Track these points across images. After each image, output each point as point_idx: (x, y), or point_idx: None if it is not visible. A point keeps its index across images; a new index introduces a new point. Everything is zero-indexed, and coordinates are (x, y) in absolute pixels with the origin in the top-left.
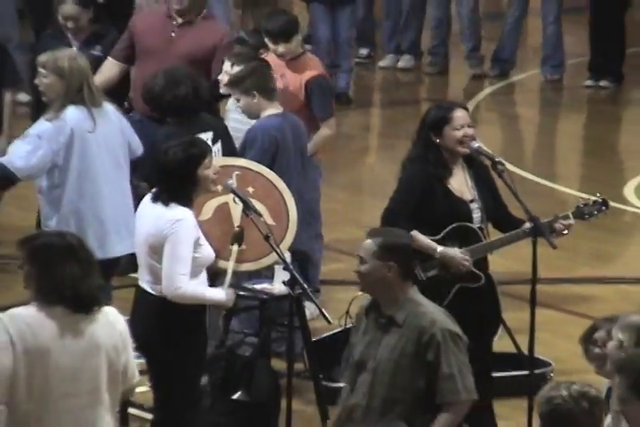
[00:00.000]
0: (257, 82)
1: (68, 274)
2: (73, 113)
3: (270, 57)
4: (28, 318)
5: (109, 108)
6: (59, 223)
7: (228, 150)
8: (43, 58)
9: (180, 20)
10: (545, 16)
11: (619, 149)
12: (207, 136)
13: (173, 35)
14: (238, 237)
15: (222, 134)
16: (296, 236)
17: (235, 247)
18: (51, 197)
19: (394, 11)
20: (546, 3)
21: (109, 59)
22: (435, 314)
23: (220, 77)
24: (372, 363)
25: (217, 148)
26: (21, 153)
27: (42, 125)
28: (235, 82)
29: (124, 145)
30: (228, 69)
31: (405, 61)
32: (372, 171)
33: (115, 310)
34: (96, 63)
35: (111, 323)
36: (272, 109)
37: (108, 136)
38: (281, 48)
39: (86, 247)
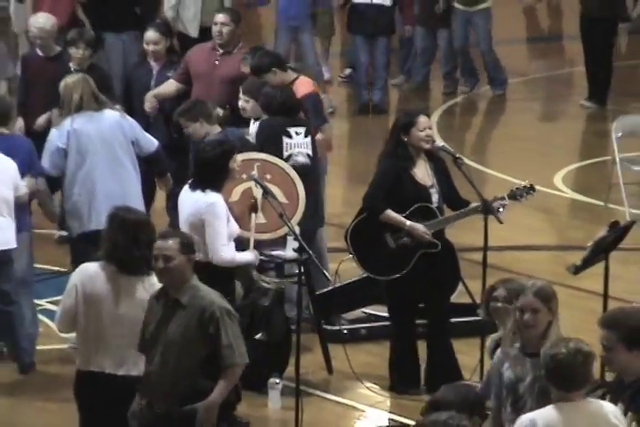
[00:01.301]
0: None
1: (121, 243)
2: (74, 119)
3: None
4: (92, 271)
5: (110, 113)
6: (67, 204)
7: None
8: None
9: (221, 51)
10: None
11: (550, 147)
12: (301, 130)
13: (217, 62)
14: (254, 207)
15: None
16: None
17: (253, 216)
18: (64, 184)
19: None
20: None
21: (170, 79)
22: (212, 296)
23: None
24: (164, 337)
25: (308, 140)
26: (44, 159)
27: (50, 133)
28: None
29: (123, 143)
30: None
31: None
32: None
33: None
34: None
35: (153, 284)
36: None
37: (104, 134)
38: (266, 79)
39: (143, 228)
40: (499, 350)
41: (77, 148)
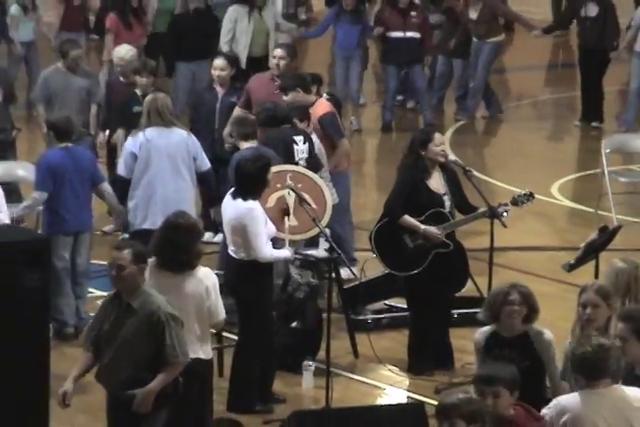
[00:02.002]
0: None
1: (160, 242)
2: (147, 131)
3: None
4: (150, 267)
5: (179, 131)
6: (130, 204)
7: (310, 149)
8: None
9: (279, 80)
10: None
11: (548, 161)
12: (301, 138)
13: (276, 93)
14: (286, 212)
15: (309, 138)
16: (334, 223)
17: (286, 219)
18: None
19: None
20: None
21: (236, 107)
22: (159, 301)
23: None
24: (117, 336)
25: (306, 146)
26: (119, 162)
27: (127, 141)
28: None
29: (186, 158)
30: None
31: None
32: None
33: (208, 269)
34: (232, 108)
35: (199, 279)
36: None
37: (170, 148)
38: (287, 98)
39: (180, 231)
40: (568, 342)
41: (146, 156)
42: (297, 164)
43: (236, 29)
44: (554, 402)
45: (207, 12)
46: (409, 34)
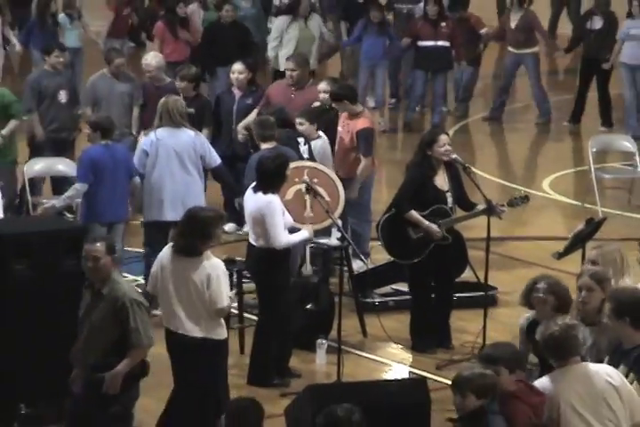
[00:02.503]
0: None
1: (178, 231)
2: (158, 131)
3: (344, 114)
4: (166, 249)
5: (187, 131)
6: (143, 197)
7: (310, 151)
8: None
9: (294, 88)
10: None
11: (540, 159)
12: (302, 139)
13: (293, 96)
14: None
15: (307, 141)
16: (353, 219)
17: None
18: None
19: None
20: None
21: (255, 110)
22: (126, 288)
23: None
24: (89, 321)
25: (306, 147)
26: (134, 159)
27: (141, 140)
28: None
29: (193, 155)
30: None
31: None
32: None
33: (217, 261)
34: (247, 109)
35: (203, 267)
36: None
37: (178, 146)
38: (337, 106)
39: (195, 221)
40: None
41: (156, 154)
42: None
43: (283, 37)
44: (538, 380)
45: (237, 22)
46: (439, 43)
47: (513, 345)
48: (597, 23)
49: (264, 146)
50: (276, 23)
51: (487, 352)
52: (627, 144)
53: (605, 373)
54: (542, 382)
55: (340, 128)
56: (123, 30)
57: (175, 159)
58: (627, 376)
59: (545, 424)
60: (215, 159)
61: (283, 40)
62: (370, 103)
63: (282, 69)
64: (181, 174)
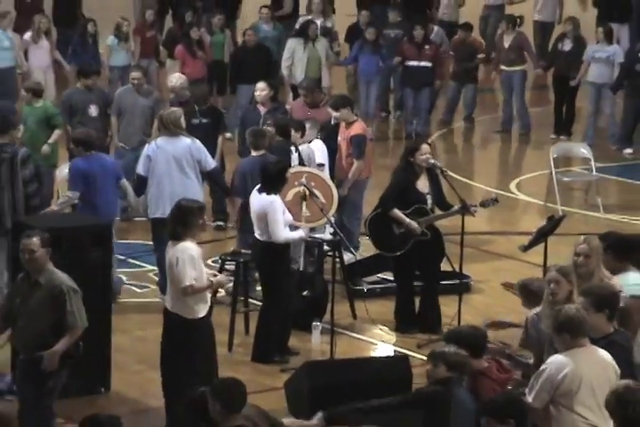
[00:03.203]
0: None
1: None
2: (158, 139)
3: (342, 125)
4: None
5: (185, 139)
6: (147, 197)
7: (300, 158)
8: None
9: (309, 106)
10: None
11: (508, 163)
12: (293, 148)
13: (309, 114)
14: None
15: (297, 149)
16: (344, 217)
17: (303, 209)
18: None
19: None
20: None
21: None
22: (62, 278)
23: None
24: (27, 307)
25: (296, 155)
26: (139, 163)
27: (145, 146)
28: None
29: (190, 160)
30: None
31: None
32: None
33: (189, 244)
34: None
35: (175, 249)
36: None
37: (176, 153)
38: (336, 115)
39: (179, 210)
40: (534, 315)
41: (156, 159)
42: None
43: (294, 57)
44: (551, 359)
45: (260, 44)
46: (422, 63)
47: (479, 328)
48: (567, 45)
49: (254, 153)
50: (288, 45)
51: (450, 334)
52: (583, 151)
53: (611, 359)
54: (566, 358)
55: (339, 137)
56: (149, 50)
57: (174, 164)
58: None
59: (561, 394)
60: (210, 163)
61: (294, 60)
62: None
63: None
64: (180, 177)
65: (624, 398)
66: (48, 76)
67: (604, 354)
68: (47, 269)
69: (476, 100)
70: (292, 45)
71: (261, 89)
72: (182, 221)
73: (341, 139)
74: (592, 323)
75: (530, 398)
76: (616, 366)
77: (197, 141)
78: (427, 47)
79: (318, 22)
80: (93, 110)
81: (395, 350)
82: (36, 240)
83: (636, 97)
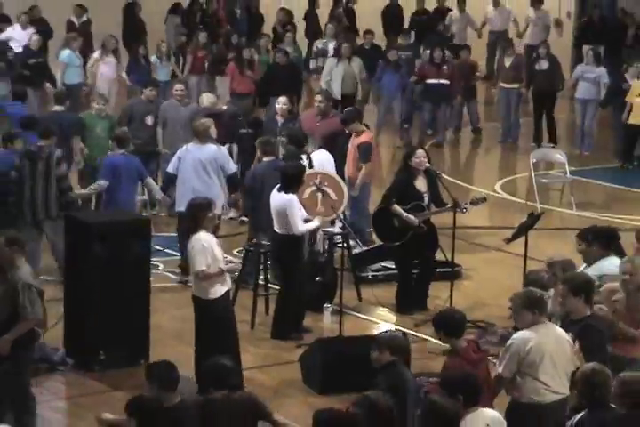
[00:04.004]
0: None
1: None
2: (189, 144)
3: (353, 134)
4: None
5: (211, 146)
6: (176, 194)
7: (310, 165)
8: None
9: (320, 117)
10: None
11: (494, 167)
12: (305, 156)
13: (318, 124)
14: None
15: (308, 156)
16: (354, 216)
17: (317, 206)
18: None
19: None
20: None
21: None
22: (22, 274)
23: None
24: None
25: (306, 162)
26: (170, 163)
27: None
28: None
29: (214, 164)
30: None
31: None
32: None
33: (202, 235)
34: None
35: (192, 239)
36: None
37: (203, 157)
38: (350, 127)
39: (191, 207)
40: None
41: (185, 161)
42: None
43: (332, 74)
44: (517, 334)
45: (291, 63)
46: (442, 81)
47: (455, 312)
48: (544, 65)
49: (265, 158)
50: (327, 63)
51: (434, 318)
52: (559, 156)
53: (565, 334)
54: (530, 333)
55: (349, 145)
56: (200, 68)
57: (199, 166)
58: (574, 342)
59: (527, 365)
60: (231, 168)
61: (332, 76)
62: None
63: (337, 97)
64: (204, 178)
65: (592, 381)
66: (112, 89)
67: (560, 330)
68: (15, 266)
69: (477, 112)
70: (330, 63)
71: (283, 103)
72: (193, 217)
73: (351, 146)
74: (571, 306)
75: (500, 369)
76: (570, 341)
77: (223, 149)
78: (444, 67)
79: (331, 45)
80: (149, 120)
81: (396, 329)
82: (1, 240)
83: (623, 112)
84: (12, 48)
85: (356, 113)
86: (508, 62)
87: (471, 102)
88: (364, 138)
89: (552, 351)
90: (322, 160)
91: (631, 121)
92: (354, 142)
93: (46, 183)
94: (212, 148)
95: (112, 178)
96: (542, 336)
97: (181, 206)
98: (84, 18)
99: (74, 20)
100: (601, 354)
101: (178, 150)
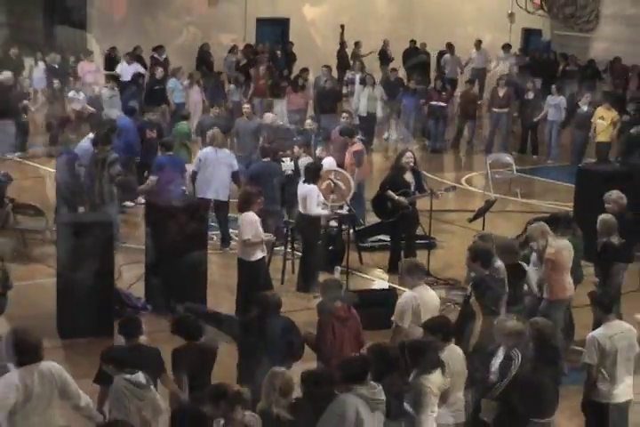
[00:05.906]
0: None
1: None
2: (206, 149)
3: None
4: None
5: (225, 150)
6: (196, 184)
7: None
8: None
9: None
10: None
11: (460, 166)
12: (287, 159)
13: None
14: (331, 191)
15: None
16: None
17: (330, 195)
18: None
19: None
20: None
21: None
22: None
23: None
24: None
25: (292, 164)
26: (194, 162)
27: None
28: None
29: (228, 164)
30: None
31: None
32: None
33: (247, 214)
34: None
35: (240, 217)
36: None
37: (217, 158)
38: (354, 139)
39: (242, 193)
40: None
41: (204, 161)
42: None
43: (360, 98)
44: (405, 294)
45: (333, 88)
46: (440, 103)
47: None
48: (530, 95)
49: (264, 159)
50: (357, 89)
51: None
52: (507, 158)
53: (434, 293)
54: (411, 293)
55: (346, 153)
56: (262, 91)
57: (215, 166)
58: (470, 295)
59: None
60: (235, 167)
61: (359, 98)
62: (393, 136)
63: (362, 115)
64: (219, 174)
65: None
66: (197, 108)
67: (430, 289)
68: None
69: (474, 130)
70: (359, 90)
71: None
72: (245, 200)
73: (347, 153)
74: (473, 269)
75: (400, 322)
76: (437, 298)
77: (232, 153)
78: (443, 93)
79: (357, 76)
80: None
81: (389, 285)
82: None
83: (579, 129)
84: (143, 76)
85: (352, 130)
86: (501, 92)
87: (471, 122)
88: (356, 147)
89: (428, 304)
90: (331, 163)
91: (598, 139)
92: (350, 150)
93: (100, 181)
94: (225, 151)
95: (159, 174)
96: (423, 294)
97: (204, 194)
98: (164, 55)
99: (157, 56)
100: (494, 306)
101: (199, 153)
